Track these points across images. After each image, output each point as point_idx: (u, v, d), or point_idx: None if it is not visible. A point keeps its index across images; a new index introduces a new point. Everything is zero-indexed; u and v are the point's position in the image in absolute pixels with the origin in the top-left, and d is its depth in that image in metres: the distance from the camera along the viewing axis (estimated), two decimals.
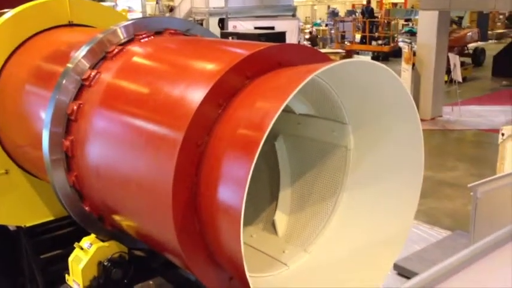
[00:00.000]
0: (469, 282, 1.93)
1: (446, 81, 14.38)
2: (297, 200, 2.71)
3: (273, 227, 2.69)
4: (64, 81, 2.82)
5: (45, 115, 2.87)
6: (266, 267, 2.45)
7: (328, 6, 46.15)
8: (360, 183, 2.51)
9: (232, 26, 20.47)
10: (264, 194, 2.81)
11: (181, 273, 4.30)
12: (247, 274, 1.83)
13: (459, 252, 1.86)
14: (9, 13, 3.81)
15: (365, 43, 23.80)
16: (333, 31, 27.32)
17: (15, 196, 3.93)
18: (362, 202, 2.50)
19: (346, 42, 24.61)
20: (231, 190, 1.95)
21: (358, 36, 24.29)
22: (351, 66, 2.17)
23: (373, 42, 23.48)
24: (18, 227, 4.05)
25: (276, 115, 1.83)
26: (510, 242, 2.08)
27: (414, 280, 1.73)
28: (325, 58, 2.50)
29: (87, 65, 2.83)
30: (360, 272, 2.38)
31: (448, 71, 14.08)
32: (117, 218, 2.77)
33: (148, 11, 32.27)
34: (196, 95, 2.13)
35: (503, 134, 5.46)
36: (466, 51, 21.95)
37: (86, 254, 2.93)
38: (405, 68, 13.63)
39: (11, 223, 4.04)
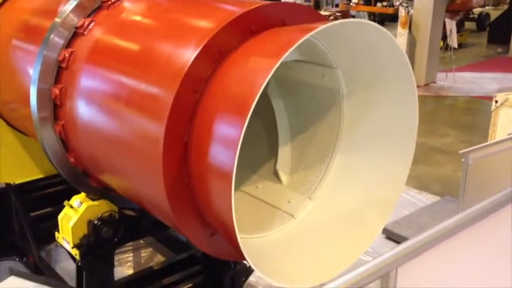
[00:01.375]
0: (460, 248, 1.94)
1: (441, 47, 14.28)
2: (297, 153, 2.71)
3: (276, 177, 2.70)
4: (52, 36, 2.74)
5: (32, 71, 2.80)
6: (272, 221, 2.45)
7: None
8: (354, 146, 2.50)
9: None
10: (264, 146, 2.79)
11: (172, 234, 4.34)
12: (238, 237, 1.83)
13: (451, 217, 1.87)
14: None
15: (370, 4, 23.57)
16: None
17: (4, 153, 3.90)
18: (355, 165, 2.50)
19: (351, 4, 24.29)
20: (223, 151, 1.92)
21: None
22: (347, 27, 2.11)
23: (378, 4, 23.22)
24: (8, 184, 4.04)
25: (268, 76, 1.80)
26: (501, 209, 2.09)
27: (404, 245, 1.74)
28: (322, 18, 2.44)
29: (76, 20, 2.75)
30: (350, 234, 2.39)
31: (444, 37, 13.96)
32: (106, 177, 2.74)
33: None
34: (189, 53, 2.07)
35: (496, 101, 5.46)
36: (471, 16, 21.91)
37: (75, 213, 2.92)
38: (401, 33, 13.47)
39: (1, 180, 4.02)
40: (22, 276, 3.23)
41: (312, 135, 2.64)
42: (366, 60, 2.31)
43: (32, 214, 4.22)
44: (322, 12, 19.93)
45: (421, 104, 2.34)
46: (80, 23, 2.73)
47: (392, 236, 4.90)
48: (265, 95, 2.69)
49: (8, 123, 3.87)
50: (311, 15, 2.39)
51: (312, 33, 1.90)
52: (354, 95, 2.47)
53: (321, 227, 2.46)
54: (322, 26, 1.91)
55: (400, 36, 13.54)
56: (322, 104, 2.57)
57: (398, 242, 4.75)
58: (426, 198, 6.02)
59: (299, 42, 1.85)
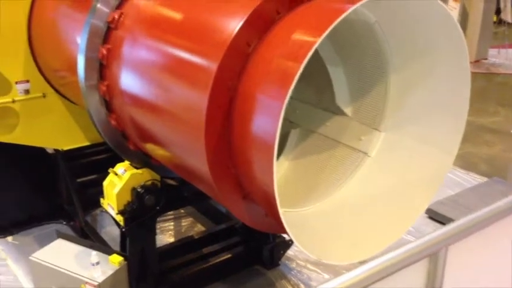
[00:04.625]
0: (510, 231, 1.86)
1: (495, 22, 13.64)
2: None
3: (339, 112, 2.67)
4: (99, 5, 2.76)
5: (80, 40, 2.83)
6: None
7: None
8: (401, 122, 2.42)
9: None
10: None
11: (212, 204, 4.39)
12: (280, 210, 1.82)
13: (501, 199, 1.79)
14: None
15: None
16: None
17: (53, 120, 4.01)
18: (401, 141, 2.42)
19: None
20: (266, 121, 1.90)
21: None
22: None
23: None
24: (56, 151, 4.16)
25: (313, 48, 1.75)
26: None
27: (454, 224, 1.68)
28: None
29: None
30: (392, 211, 2.34)
31: (498, 11, 13.33)
32: (149, 146, 2.77)
33: None
34: (234, 21, 2.04)
35: None
36: None
37: (120, 180, 2.98)
38: (453, 6, 12.94)
39: (49, 146, 4.16)
40: (69, 239, 3.36)
41: (357, 110, 2.58)
42: (415, 33, 2.22)
43: (79, 180, 4.35)
44: None
45: (471, 81, 2.23)
46: None
47: (435, 216, 4.77)
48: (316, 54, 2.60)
49: (57, 91, 3.97)
50: None
51: (361, 3, 1.83)
52: (402, 69, 2.38)
53: (363, 202, 2.42)
54: None
55: (452, 10, 13.00)
56: (369, 77, 2.50)
57: (441, 223, 4.63)
58: (473, 179, 5.82)
59: (347, 13, 1.79)
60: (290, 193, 2.43)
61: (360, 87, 2.57)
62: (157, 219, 3.27)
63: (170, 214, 4.76)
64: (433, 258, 1.67)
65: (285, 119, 1.83)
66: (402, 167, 2.40)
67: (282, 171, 2.76)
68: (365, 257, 2.19)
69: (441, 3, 2.04)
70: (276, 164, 1.79)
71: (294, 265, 4.06)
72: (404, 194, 2.36)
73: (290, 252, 4.05)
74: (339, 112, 2.64)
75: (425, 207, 2.34)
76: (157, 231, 3.47)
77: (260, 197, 2.08)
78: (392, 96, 2.46)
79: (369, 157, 2.52)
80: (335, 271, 3.91)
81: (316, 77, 2.62)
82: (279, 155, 2.82)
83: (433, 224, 4.73)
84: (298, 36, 1.93)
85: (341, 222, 2.37)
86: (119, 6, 2.75)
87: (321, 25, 1.80)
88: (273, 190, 1.81)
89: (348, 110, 2.62)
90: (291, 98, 1.77)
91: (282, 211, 1.84)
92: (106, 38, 2.76)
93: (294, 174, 2.72)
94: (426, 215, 4.83)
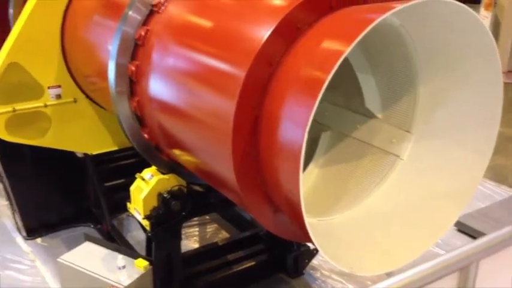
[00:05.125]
0: None
1: None
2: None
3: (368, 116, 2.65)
4: (130, 13, 2.80)
5: (111, 46, 2.89)
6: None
7: None
8: (430, 133, 2.38)
9: None
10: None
11: (237, 212, 4.40)
12: (306, 219, 1.81)
13: None
14: None
15: None
16: None
17: (83, 124, 4.09)
18: (431, 151, 2.38)
19: None
20: (293, 130, 1.90)
21: None
22: (429, 7, 2.00)
23: None
24: (85, 155, 4.24)
25: (341, 58, 1.74)
26: None
27: (486, 238, 1.63)
28: None
29: None
30: (421, 222, 2.30)
31: None
32: (176, 152, 2.80)
33: None
34: (263, 30, 2.05)
35: None
36: None
37: (147, 185, 3.01)
38: (484, 15, 12.70)
39: (79, 150, 4.23)
40: (96, 242, 3.40)
41: (387, 112, 2.54)
42: (445, 41, 2.19)
43: (106, 184, 4.42)
44: None
45: (503, 92, 2.19)
46: (156, 1, 2.77)
47: (465, 229, 4.67)
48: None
49: (87, 96, 4.05)
50: None
51: (390, 12, 1.81)
52: (432, 77, 2.34)
53: (392, 212, 2.38)
54: (402, 6, 1.82)
55: (483, 19, 12.78)
56: (399, 82, 2.47)
57: (471, 236, 4.53)
58: (504, 192, 5.67)
59: (375, 22, 1.77)
60: (318, 201, 2.41)
61: (390, 92, 2.54)
62: (183, 224, 3.29)
63: (195, 220, 4.79)
64: (464, 272, 1.64)
65: (315, 121, 1.82)
66: (433, 175, 2.36)
67: (311, 180, 2.74)
68: (392, 268, 2.16)
69: (472, 11, 2.00)
70: (302, 174, 1.78)
71: (318, 275, 4.03)
72: (434, 205, 2.32)
73: (315, 261, 4.02)
74: (369, 114, 2.61)
75: (455, 219, 2.30)
76: (183, 236, 3.49)
77: (286, 205, 2.08)
78: (422, 104, 2.43)
79: (401, 160, 2.49)
80: (360, 282, 3.87)
81: (345, 80, 2.61)
82: (308, 161, 2.81)
83: (462, 237, 4.63)
84: (327, 45, 1.93)
85: (368, 232, 2.34)
86: (149, 15, 2.79)
87: (349, 35, 1.80)
88: (298, 199, 1.80)
89: (378, 113, 2.59)
90: (320, 100, 1.76)
91: (308, 220, 1.83)
92: (134, 54, 2.81)
93: (323, 181, 2.70)
94: (455, 228, 4.73)
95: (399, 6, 1.82)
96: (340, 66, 1.75)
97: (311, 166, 2.81)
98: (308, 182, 2.71)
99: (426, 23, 2.15)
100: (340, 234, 2.31)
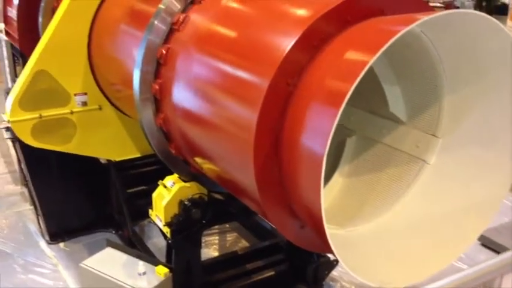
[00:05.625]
0: None
1: None
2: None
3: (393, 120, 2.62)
4: (156, 22, 2.85)
5: (136, 55, 2.94)
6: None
7: None
8: (455, 145, 2.35)
9: None
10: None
11: (257, 221, 4.40)
12: (327, 229, 1.80)
13: None
14: None
15: None
16: None
17: (107, 131, 4.15)
18: (455, 163, 2.35)
19: None
20: (314, 141, 1.90)
21: None
22: (454, 18, 1.98)
23: None
24: (109, 161, 4.30)
25: (364, 69, 1.73)
26: None
27: (507, 254, 1.61)
28: (424, 7, 2.31)
29: (178, 6, 2.83)
30: (444, 236, 2.27)
31: None
32: (198, 160, 2.82)
33: None
34: (285, 41, 2.06)
35: None
36: None
37: (168, 192, 3.04)
38: (511, 26, 12.53)
39: (103, 156, 4.30)
40: (118, 248, 3.44)
41: (412, 117, 2.53)
42: (470, 53, 2.17)
43: (128, 190, 4.47)
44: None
45: None
46: (175, 19, 2.81)
47: (489, 243, 4.58)
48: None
49: (112, 104, 4.11)
50: (411, 4, 2.27)
51: (414, 24, 1.81)
52: (457, 87, 2.32)
53: (415, 223, 2.35)
54: (426, 17, 1.81)
55: (510, 30, 12.58)
56: (423, 94, 2.45)
57: (495, 251, 4.44)
58: None
59: (400, 34, 1.77)
60: (341, 211, 2.40)
61: (415, 99, 2.50)
62: (203, 232, 3.31)
63: (215, 228, 4.80)
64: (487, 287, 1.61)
65: (340, 125, 1.81)
66: (459, 184, 2.32)
67: (335, 189, 2.72)
68: (415, 281, 2.13)
69: (498, 22, 1.98)
70: (323, 186, 1.77)
71: (338, 286, 4.01)
72: (459, 217, 2.28)
73: (335, 272, 3.99)
74: (394, 118, 2.59)
75: (479, 233, 2.26)
76: (202, 244, 3.50)
77: (307, 215, 2.07)
78: (449, 109, 2.39)
79: (427, 165, 2.46)
80: None
81: (369, 84, 2.59)
82: (334, 168, 2.79)
83: (486, 252, 4.54)
84: (350, 56, 1.93)
85: (391, 243, 2.31)
86: (166, 39, 2.83)
87: (372, 46, 1.79)
88: (319, 210, 1.80)
89: (403, 117, 2.57)
90: (346, 104, 1.75)
91: (329, 232, 1.82)
92: (157, 72, 2.85)
93: (348, 190, 2.67)
94: (479, 242, 4.64)
95: (423, 18, 1.81)
96: (364, 73, 1.75)
97: (336, 176, 2.79)
98: (332, 191, 2.70)
99: (448, 32, 2.13)
100: (362, 245, 2.29)
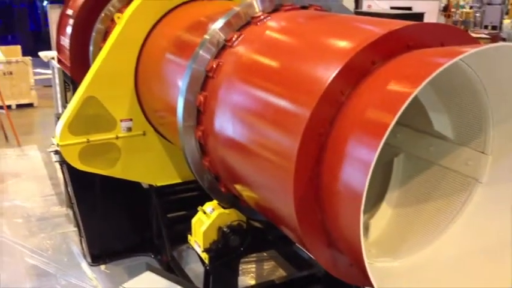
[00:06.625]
0: None
1: None
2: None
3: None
4: (201, 52, 2.93)
5: (181, 83, 3.02)
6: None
7: None
8: (500, 178, 2.29)
9: (367, 5, 19.76)
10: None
11: (295, 250, 4.36)
12: (366, 262, 1.77)
13: None
14: None
15: None
16: (477, 14, 25.06)
17: (150, 156, 4.25)
18: (499, 197, 2.28)
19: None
20: (355, 173, 1.88)
21: (506, 22, 22.03)
22: (500, 51, 1.95)
23: None
24: (150, 186, 4.39)
25: (408, 100, 1.73)
26: None
27: None
28: (473, 41, 2.29)
29: (223, 37, 2.91)
30: (486, 272, 2.19)
31: None
32: (237, 186, 2.84)
33: None
34: (328, 73, 2.08)
35: None
36: None
37: (208, 218, 3.07)
38: None
39: (145, 181, 4.40)
40: (157, 273, 3.48)
41: (459, 135, 2.48)
42: None
43: (169, 215, 4.53)
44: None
45: None
46: (229, 37, 2.89)
47: None
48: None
49: (155, 130, 4.22)
50: (455, 36, 2.25)
51: (459, 57, 1.79)
52: (502, 124, 2.27)
53: (455, 260, 2.28)
54: (472, 50, 1.79)
55: None
56: (465, 130, 2.41)
57: None
58: None
59: (444, 66, 1.76)
60: (385, 242, 2.34)
61: (461, 126, 2.46)
62: (241, 260, 3.31)
63: (253, 256, 4.79)
64: None
65: (386, 144, 1.79)
66: (499, 225, 2.24)
67: (383, 223, 2.67)
68: None
69: None
70: (362, 217, 1.76)
71: None
72: (501, 256, 2.20)
73: None
74: (440, 136, 2.54)
75: None
76: (240, 272, 3.49)
77: (347, 248, 2.05)
78: (491, 150, 2.34)
79: (479, 183, 2.38)
80: None
81: (412, 107, 2.56)
82: (382, 196, 2.74)
83: None
84: (393, 87, 1.92)
85: (431, 278, 2.24)
86: (218, 55, 2.91)
87: (416, 77, 1.79)
88: (359, 242, 1.77)
89: (449, 135, 2.51)
90: None
91: (370, 266, 1.79)
92: (204, 85, 2.91)
93: (395, 220, 2.60)
94: None
95: (469, 51, 1.80)
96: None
97: (384, 205, 2.73)
98: (380, 223, 2.63)
99: (494, 64, 2.10)
100: (401, 279, 2.23)
